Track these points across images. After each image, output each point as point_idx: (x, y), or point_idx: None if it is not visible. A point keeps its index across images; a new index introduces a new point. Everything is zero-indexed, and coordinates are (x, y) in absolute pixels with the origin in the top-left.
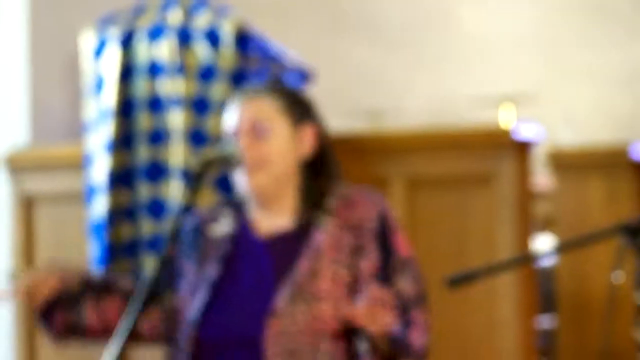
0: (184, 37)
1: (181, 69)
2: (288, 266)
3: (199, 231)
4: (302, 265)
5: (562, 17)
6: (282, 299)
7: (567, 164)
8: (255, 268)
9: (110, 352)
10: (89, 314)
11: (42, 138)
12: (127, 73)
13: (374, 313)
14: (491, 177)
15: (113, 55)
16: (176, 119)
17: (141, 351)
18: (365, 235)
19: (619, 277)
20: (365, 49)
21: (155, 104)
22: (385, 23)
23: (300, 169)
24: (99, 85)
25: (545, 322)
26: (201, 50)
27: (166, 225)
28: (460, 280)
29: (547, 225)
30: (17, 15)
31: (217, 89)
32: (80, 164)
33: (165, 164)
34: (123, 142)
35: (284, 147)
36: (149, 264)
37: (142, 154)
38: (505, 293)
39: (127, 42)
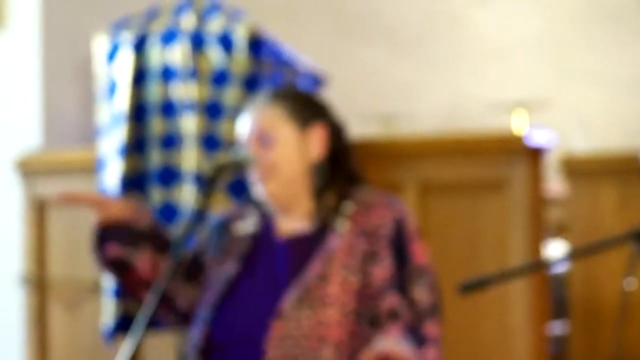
0: (197, 42)
1: (194, 73)
2: (301, 269)
3: (225, 228)
4: (313, 269)
5: (574, 22)
6: (289, 301)
7: (579, 170)
8: (271, 268)
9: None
10: (143, 259)
11: (55, 142)
12: (140, 77)
13: None
14: (504, 182)
15: (126, 60)
16: (189, 124)
17: (154, 343)
18: (379, 241)
19: (631, 283)
20: (378, 54)
21: (168, 109)
22: (398, 28)
23: (312, 171)
24: (111, 89)
25: (557, 328)
26: (214, 55)
27: (178, 230)
28: (473, 287)
29: (559, 231)
30: (30, 19)
31: (230, 94)
32: (92, 168)
33: (178, 169)
34: (136, 146)
35: (290, 153)
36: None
37: (155, 158)
38: (517, 299)
39: (140, 46)
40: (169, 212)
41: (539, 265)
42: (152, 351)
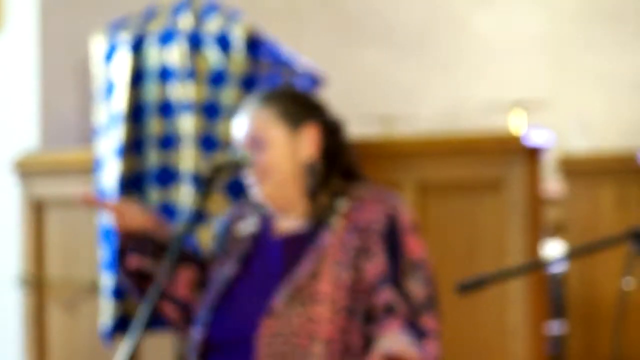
0: (195, 42)
1: (192, 73)
2: (293, 267)
3: (228, 229)
4: (304, 267)
5: (573, 23)
6: (279, 299)
7: (577, 170)
8: (266, 267)
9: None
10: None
11: (53, 142)
12: (137, 78)
13: None
14: (502, 182)
15: (123, 60)
16: (187, 124)
17: (152, 343)
18: (371, 236)
19: (629, 283)
20: (377, 55)
21: (166, 109)
22: (397, 28)
23: (306, 171)
24: (109, 89)
25: (555, 328)
26: (212, 55)
27: (176, 231)
28: (470, 286)
29: (557, 231)
30: (28, 20)
31: (227, 94)
32: (90, 168)
33: (175, 169)
34: (133, 146)
35: (282, 154)
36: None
37: (153, 158)
38: (515, 299)
39: (137, 46)
40: (166, 212)
41: (536, 265)
42: (150, 351)
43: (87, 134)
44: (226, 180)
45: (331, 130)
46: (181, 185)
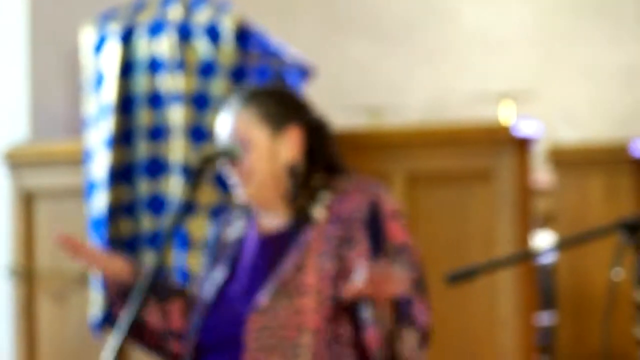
0: (184, 33)
1: (181, 64)
2: (278, 262)
3: (218, 237)
4: (288, 261)
5: (562, 14)
6: (265, 295)
7: (566, 160)
8: (252, 267)
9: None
10: (151, 313)
11: (42, 133)
12: (127, 69)
13: (380, 278)
14: (491, 173)
15: (113, 51)
16: (176, 115)
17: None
18: (354, 225)
19: (619, 274)
20: (365, 46)
21: (156, 100)
22: (385, 20)
23: (288, 172)
24: (99, 81)
25: (544, 319)
26: (201, 46)
27: (166, 221)
28: (460, 277)
29: (546, 221)
30: (17, 11)
31: (217, 85)
32: (80, 159)
33: (165, 160)
34: (123, 137)
35: (264, 156)
36: (149, 260)
37: (142, 149)
38: (504, 289)
39: (127, 37)
40: (156, 203)
41: (526, 256)
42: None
43: (77, 125)
44: (216, 171)
45: (314, 131)
46: (171, 176)
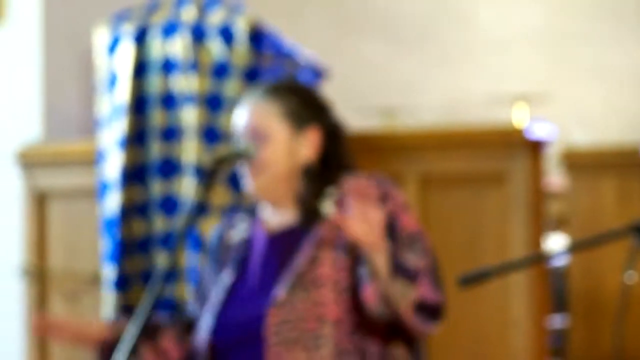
0: (198, 34)
1: (195, 65)
2: (290, 258)
3: (221, 239)
4: (302, 255)
5: (576, 17)
6: (281, 288)
7: (579, 163)
8: (262, 264)
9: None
10: (145, 354)
11: (55, 134)
12: (140, 69)
13: (363, 214)
14: (504, 176)
15: (127, 52)
16: (189, 116)
17: None
18: None
19: (632, 277)
20: (379, 47)
21: (169, 101)
22: (400, 21)
23: (302, 172)
24: (112, 81)
25: (557, 321)
26: (215, 47)
27: (179, 222)
28: (473, 279)
29: (559, 224)
30: (31, 12)
31: (230, 86)
32: (93, 160)
33: (178, 161)
34: (136, 138)
35: (281, 153)
36: (162, 261)
37: (155, 150)
38: (517, 292)
39: (140, 38)
40: (169, 204)
41: (539, 258)
42: None
43: (90, 126)
44: (229, 172)
45: (333, 135)
46: (184, 177)
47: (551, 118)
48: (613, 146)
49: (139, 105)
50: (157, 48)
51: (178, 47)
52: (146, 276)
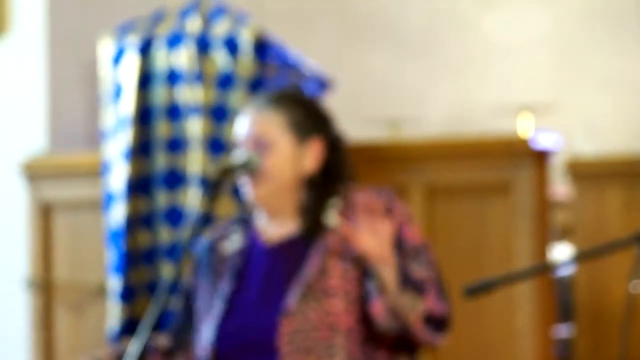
0: (203, 45)
1: (200, 76)
2: (296, 268)
3: (213, 250)
4: (311, 265)
5: (582, 26)
6: (293, 298)
7: (585, 173)
8: (264, 274)
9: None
10: None
11: (61, 145)
12: (145, 81)
13: (372, 229)
14: (509, 185)
15: (131, 63)
16: (194, 127)
17: None
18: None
19: (637, 286)
20: (384, 57)
21: (174, 112)
22: (405, 31)
23: (303, 184)
24: (117, 92)
25: (562, 331)
26: (220, 58)
27: (184, 233)
28: (478, 289)
29: (565, 234)
30: (36, 23)
31: (235, 97)
32: (98, 171)
33: (183, 172)
34: (141, 149)
35: (283, 163)
36: (167, 272)
37: (160, 161)
38: (523, 302)
39: (145, 49)
40: (174, 215)
41: (544, 268)
42: None
43: (95, 137)
44: (234, 182)
45: (334, 147)
46: (189, 188)
47: (557, 127)
48: (618, 156)
49: (144, 116)
50: (162, 59)
51: (183, 58)
52: (151, 287)
